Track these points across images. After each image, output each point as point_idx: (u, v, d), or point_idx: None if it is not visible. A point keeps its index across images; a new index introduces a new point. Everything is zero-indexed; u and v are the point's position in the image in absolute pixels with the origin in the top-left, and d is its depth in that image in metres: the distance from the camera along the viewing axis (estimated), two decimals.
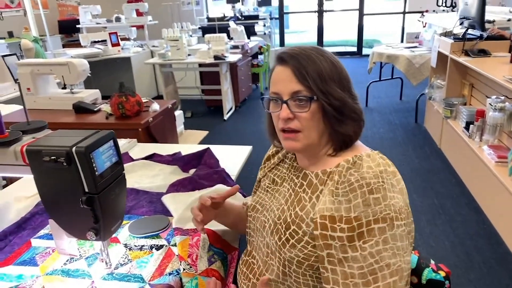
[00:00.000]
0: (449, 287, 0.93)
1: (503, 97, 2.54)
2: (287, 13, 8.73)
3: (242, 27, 5.47)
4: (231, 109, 4.93)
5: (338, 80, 0.81)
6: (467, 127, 2.90)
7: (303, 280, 0.83)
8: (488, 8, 3.16)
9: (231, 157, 1.62)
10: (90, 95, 2.49)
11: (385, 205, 0.73)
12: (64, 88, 2.49)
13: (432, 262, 0.98)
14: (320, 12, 7.97)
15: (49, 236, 1.11)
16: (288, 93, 0.81)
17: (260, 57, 5.84)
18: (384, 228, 0.73)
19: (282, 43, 8.29)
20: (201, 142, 4.02)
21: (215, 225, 1.10)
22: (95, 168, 0.80)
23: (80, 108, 2.34)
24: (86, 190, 0.81)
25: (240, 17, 6.79)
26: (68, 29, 7.11)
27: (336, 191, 0.77)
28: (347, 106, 0.81)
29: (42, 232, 1.14)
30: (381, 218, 0.73)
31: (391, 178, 0.76)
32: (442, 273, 0.94)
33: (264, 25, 7.05)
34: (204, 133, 4.28)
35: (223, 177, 1.41)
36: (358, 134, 0.85)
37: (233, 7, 6.81)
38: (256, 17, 7.09)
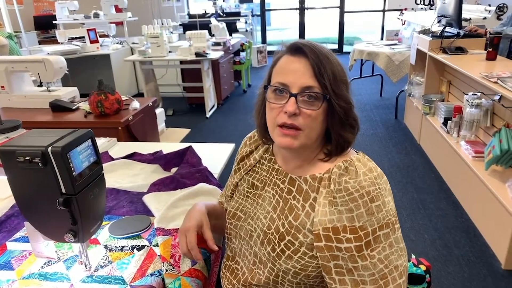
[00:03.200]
0: (429, 280, 0.94)
1: (479, 94, 2.60)
2: (269, 10, 8.73)
3: (224, 24, 5.43)
4: (213, 106, 4.90)
5: (346, 84, 0.80)
6: (445, 123, 2.97)
7: None
8: (464, 6, 3.24)
9: (214, 155, 1.61)
10: (67, 93, 2.42)
11: (385, 211, 0.74)
12: (40, 86, 2.42)
13: (413, 256, 0.99)
14: (302, 10, 8.00)
15: (25, 239, 1.07)
16: (299, 86, 0.75)
17: (242, 54, 5.82)
18: (388, 233, 0.74)
19: (264, 40, 8.28)
20: (183, 140, 3.98)
21: None
22: (72, 169, 0.78)
23: (57, 107, 2.28)
24: (63, 191, 0.79)
25: (221, 13, 6.75)
26: (44, 25, 6.92)
27: (334, 200, 0.75)
28: (352, 111, 0.80)
29: (18, 234, 1.11)
30: (384, 224, 0.74)
31: (382, 181, 0.76)
32: (423, 267, 0.95)
33: (246, 22, 7.04)
34: (186, 131, 4.25)
35: (205, 176, 1.39)
36: (353, 142, 0.82)
37: (215, 3, 6.77)
38: (237, 14, 7.07)
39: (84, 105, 2.29)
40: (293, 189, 0.83)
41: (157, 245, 1.02)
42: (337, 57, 0.81)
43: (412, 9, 5.65)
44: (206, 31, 4.57)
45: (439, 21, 3.46)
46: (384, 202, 0.74)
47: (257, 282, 0.85)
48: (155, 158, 1.55)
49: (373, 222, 0.73)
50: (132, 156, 1.59)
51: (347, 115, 0.78)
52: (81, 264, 0.95)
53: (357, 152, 0.83)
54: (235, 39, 5.65)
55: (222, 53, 4.69)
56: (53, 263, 0.98)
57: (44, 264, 0.98)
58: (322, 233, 0.74)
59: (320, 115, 0.77)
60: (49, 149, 0.75)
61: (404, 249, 0.77)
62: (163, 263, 0.95)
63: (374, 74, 5.25)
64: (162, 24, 5.46)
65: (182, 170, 1.44)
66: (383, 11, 7.69)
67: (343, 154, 0.82)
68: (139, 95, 5.63)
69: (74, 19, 5.69)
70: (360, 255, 0.72)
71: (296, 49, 0.78)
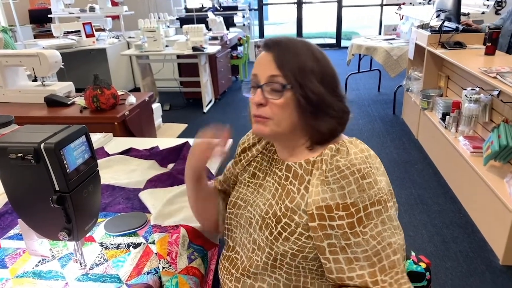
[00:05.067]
0: (429, 278, 0.93)
1: (478, 89, 2.59)
2: (266, 4, 8.67)
3: (221, 18, 5.39)
4: (210, 101, 4.87)
5: (320, 76, 0.80)
6: (443, 118, 2.96)
7: (294, 272, 0.82)
8: (463, 1, 3.21)
9: None
10: (63, 87, 2.40)
11: (377, 188, 0.75)
12: (35, 80, 2.39)
13: (413, 253, 0.98)
14: (299, 4, 7.95)
15: (19, 237, 1.06)
16: (265, 77, 0.80)
17: (240, 48, 5.79)
18: (380, 210, 0.75)
19: (261, 34, 8.24)
20: (180, 136, 3.96)
21: (194, 222, 1.07)
22: (66, 166, 0.76)
23: (53, 102, 2.25)
24: (57, 188, 0.77)
25: (218, 8, 6.69)
26: (40, 19, 6.85)
27: (326, 179, 0.76)
28: (325, 102, 0.80)
29: (12, 232, 1.09)
30: (376, 201, 0.74)
31: (375, 162, 0.78)
32: (423, 265, 0.94)
33: (243, 16, 6.99)
34: (183, 126, 4.22)
35: None
36: (336, 131, 0.82)
37: None
38: (235, 8, 7.01)
39: (80, 100, 2.26)
40: (290, 175, 0.85)
41: (153, 242, 1.01)
42: (318, 51, 0.82)
43: (410, 3, 5.62)
44: (203, 25, 4.52)
45: (437, 16, 3.44)
46: (376, 180, 0.75)
47: (255, 268, 0.86)
48: (152, 154, 1.54)
49: (365, 198, 0.74)
50: (128, 152, 1.57)
51: (316, 106, 0.79)
52: (76, 262, 0.93)
53: (350, 138, 0.84)
54: (232, 34, 5.61)
55: (219, 47, 4.66)
56: (48, 261, 0.96)
57: (39, 262, 0.96)
58: (316, 212, 0.76)
59: (287, 105, 0.79)
60: (42, 145, 0.74)
61: (398, 227, 0.77)
62: (159, 260, 0.93)
63: (372, 69, 5.22)
64: (159, 18, 5.41)
65: (179, 166, 1.42)
66: (381, 5, 7.65)
67: (335, 140, 0.83)
68: (136, 89, 5.59)
69: (70, 13, 5.63)
70: (352, 232, 0.74)
71: (265, 45, 0.83)
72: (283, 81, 0.78)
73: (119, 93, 2.25)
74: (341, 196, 0.74)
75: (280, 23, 13.45)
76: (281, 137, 0.84)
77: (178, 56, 4.64)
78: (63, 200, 0.78)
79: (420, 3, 5.30)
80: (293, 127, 0.81)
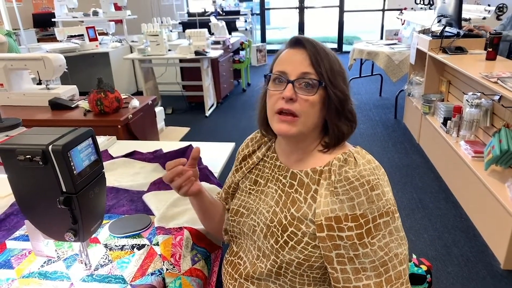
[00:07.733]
0: (430, 281, 0.94)
1: (479, 94, 2.60)
2: (268, 9, 8.72)
3: (223, 23, 5.42)
4: (212, 105, 4.89)
5: (343, 78, 0.83)
6: (444, 123, 2.97)
7: (299, 280, 0.83)
8: (464, 6, 3.24)
9: (214, 154, 1.60)
10: (67, 91, 2.42)
11: (385, 200, 0.76)
12: (40, 83, 2.41)
13: (414, 256, 0.99)
14: (301, 9, 7.99)
15: (25, 238, 1.07)
16: (296, 74, 0.80)
17: (242, 53, 5.82)
18: (388, 221, 0.76)
19: (263, 39, 8.27)
20: (183, 139, 3.97)
21: (198, 224, 1.08)
22: (73, 167, 0.77)
23: (57, 105, 2.27)
24: (64, 190, 0.78)
25: (221, 12, 6.73)
26: (43, 23, 6.90)
27: (335, 190, 0.77)
28: (348, 103, 0.83)
29: (17, 233, 1.10)
30: (384, 213, 0.75)
31: (381, 173, 0.79)
32: (424, 267, 0.95)
33: (246, 21, 7.02)
34: (185, 130, 4.24)
35: (205, 175, 1.39)
36: (349, 135, 0.85)
37: (214, 2, 6.75)
38: (237, 13, 7.05)
39: (84, 103, 2.28)
40: (295, 183, 0.85)
41: (157, 244, 1.02)
42: (336, 54, 0.85)
43: (412, 8, 5.65)
44: (205, 30, 4.56)
45: (439, 21, 3.46)
46: (383, 191, 0.76)
47: (259, 275, 0.86)
48: (155, 157, 1.55)
49: (374, 210, 0.75)
50: (132, 155, 1.59)
51: (342, 106, 0.82)
52: (81, 263, 0.94)
53: (354, 147, 0.85)
54: (234, 38, 5.64)
55: (221, 51, 4.68)
56: (53, 262, 0.98)
57: (44, 263, 0.97)
58: (325, 223, 0.76)
59: (316, 103, 0.80)
60: (50, 147, 0.75)
61: (404, 237, 0.79)
62: (163, 262, 0.94)
63: (373, 73, 5.24)
64: (162, 22, 5.45)
65: None
66: (383, 10, 7.68)
67: (341, 147, 0.84)
68: (138, 93, 5.62)
69: (73, 17, 5.67)
70: (361, 243, 0.74)
71: (296, 42, 0.83)
72: (317, 78, 0.79)
73: (123, 97, 2.27)
74: (350, 207, 0.75)
75: (282, 27, 13.50)
76: (302, 137, 0.84)
77: (181, 60, 4.67)
78: (69, 201, 0.79)
79: (421, 8, 5.32)
80: (315, 127, 0.83)
